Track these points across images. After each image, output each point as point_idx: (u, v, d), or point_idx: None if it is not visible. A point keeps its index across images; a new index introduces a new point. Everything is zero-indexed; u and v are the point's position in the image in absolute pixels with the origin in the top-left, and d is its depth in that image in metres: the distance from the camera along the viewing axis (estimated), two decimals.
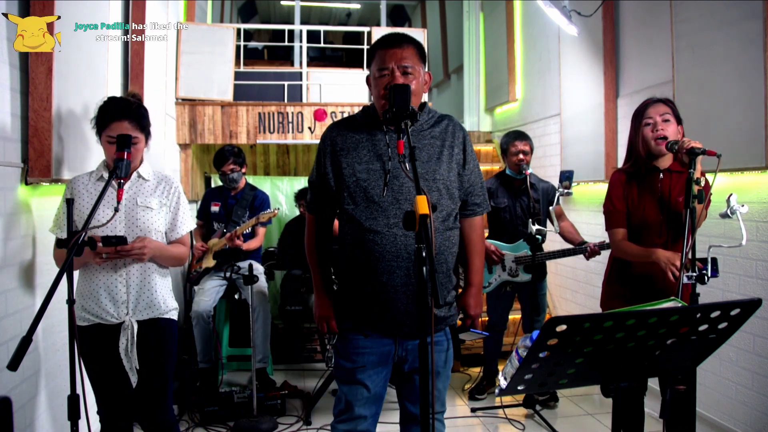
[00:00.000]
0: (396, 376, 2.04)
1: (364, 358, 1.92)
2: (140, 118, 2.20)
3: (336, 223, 2.05)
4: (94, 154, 2.82)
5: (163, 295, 2.26)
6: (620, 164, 2.62)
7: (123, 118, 2.14)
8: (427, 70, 1.93)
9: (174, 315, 2.30)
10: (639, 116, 2.37)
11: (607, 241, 3.29)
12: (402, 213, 1.80)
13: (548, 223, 3.63)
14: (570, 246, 3.55)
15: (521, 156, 3.57)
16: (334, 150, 1.92)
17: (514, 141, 3.62)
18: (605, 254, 3.38)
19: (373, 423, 1.99)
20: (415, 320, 1.85)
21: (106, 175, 2.19)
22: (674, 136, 2.29)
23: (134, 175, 2.24)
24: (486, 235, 3.78)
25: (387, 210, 1.82)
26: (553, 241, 4.08)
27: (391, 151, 1.85)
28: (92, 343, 2.14)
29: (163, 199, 2.26)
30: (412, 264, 1.81)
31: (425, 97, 2.14)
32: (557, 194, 3.44)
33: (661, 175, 2.35)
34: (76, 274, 2.23)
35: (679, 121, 2.34)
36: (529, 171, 3.52)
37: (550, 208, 3.63)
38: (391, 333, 1.91)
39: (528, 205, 3.51)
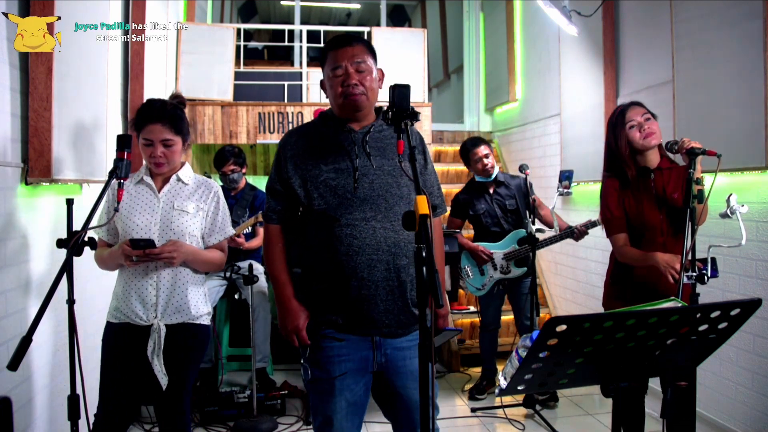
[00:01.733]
0: (378, 393, 1.95)
1: (341, 366, 1.82)
2: (176, 121, 2.17)
3: None
4: (95, 154, 2.82)
5: (195, 301, 2.21)
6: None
7: (157, 121, 2.13)
8: (375, 72, 1.90)
9: (206, 320, 2.26)
10: (619, 122, 2.38)
11: (593, 219, 3.34)
12: (376, 207, 1.80)
13: (537, 221, 3.68)
14: (553, 234, 3.59)
15: (485, 161, 3.67)
16: (295, 154, 1.88)
17: (474, 149, 3.70)
18: (606, 253, 3.38)
19: None
20: (395, 318, 1.83)
21: (147, 179, 2.21)
22: (659, 132, 2.34)
23: (173, 178, 2.23)
24: (471, 236, 3.83)
25: (362, 205, 1.80)
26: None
27: (357, 148, 1.84)
28: (118, 339, 2.14)
29: (200, 203, 2.24)
30: (392, 257, 1.80)
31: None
32: (555, 194, 3.46)
33: (653, 175, 2.37)
34: (107, 275, 2.25)
35: (654, 118, 2.38)
36: (495, 171, 3.67)
37: (531, 198, 3.67)
38: (369, 333, 1.83)
39: (518, 202, 3.58)
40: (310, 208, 1.84)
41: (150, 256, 2.06)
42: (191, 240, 2.19)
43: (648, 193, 2.36)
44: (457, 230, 3.77)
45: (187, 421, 2.24)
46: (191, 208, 2.21)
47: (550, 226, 3.64)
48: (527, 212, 3.49)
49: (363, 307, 1.81)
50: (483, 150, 3.68)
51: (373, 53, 1.90)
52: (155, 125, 2.13)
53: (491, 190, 3.74)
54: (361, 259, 1.79)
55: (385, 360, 1.86)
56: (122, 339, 2.15)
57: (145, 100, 2.25)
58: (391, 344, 1.86)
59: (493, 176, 3.70)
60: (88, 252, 2.00)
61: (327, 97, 1.94)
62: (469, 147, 3.73)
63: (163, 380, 2.12)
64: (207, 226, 2.26)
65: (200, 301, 2.25)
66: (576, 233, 3.47)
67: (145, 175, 2.22)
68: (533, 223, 3.45)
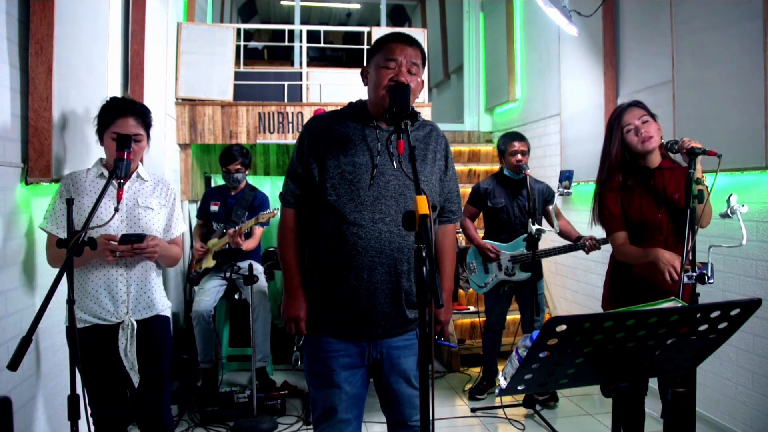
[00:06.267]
0: (376, 387, 1.97)
1: (337, 360, 1.86)
2: (144, 116, 2.22)
3: None
4: (94, 154, 2.82)
5: (160, 294, 2.30)
6: None
7: (128, 115, 2.15)
8: (420, 79, 1.90)
9: (168, 312, 2.33)
10: (615, 125, 2.38)
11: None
12: (386, 209, 1.80)
13: (544, 223, 3.66)
14: (567, 243, 3.57)
15: (519, 157, 3.60)
16: (318, 140, 1.87)
17: (512, 142, 3.63)
18: (605, 254, 3.37)
19: (358, 426, 1.92)
20: (391, 321, 1.84)
21: (106, 173, 2.19)
22: (657, 134, 2.33)
23: (134, 175, 2.24)
24: (481, 235, 3.81)
25: (372, 204, 1.80)
26: (549, 240, 4.08)
27: (380, 146, 1.84)
28: (90, 344, 2.13)
29: (162, 200, 2.29)
30: (394, 262, 1.80)
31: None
32: (556, 194, 3.45)
33: (654, 175, 2.36)
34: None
35: (654, 118, 2.37)
36: (528, 171, 3.54)
37: (550, 207, 3.64)
38: (366, 335, 1.85)
39: (528, 205, 3.53)
40: (323, 197, 1.84)
41: (136, 251, 2.08)
42: (156, 235, 2.22)
43: (648, 192, 2.35)
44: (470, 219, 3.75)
45: (170, 414, 2.27)
46: (155, 204, 2.25)
47: (567, 237, 3.60)
48: (529, 216, 3.48)
49: (360, 306, 1.82)
50: (520, 146, 3.60)
51: (425, 62, 1.90)
52: (127, 119, 2.14)
53: (515, 188, 3.69)
54: (364, 259, 1.79)
55: (381, 357, 1.89)
56: (94, 341, 2.13)
57: (108, 99, 2.25)
58: (386, 343, 1.89)
59: (521, 176, 3.62)
60: (88, 252, 2.00)
61: (365, 85, 1.92)
62: (509, 138, 3.67)
63: (135, 377, 2.14)
64: (166, 222, 2.31)
65: (162, 294, 2.33)
66: (587, 246, 3.41)
67: (104, 170, 2.20)
68: (534, 224, 3.44)
